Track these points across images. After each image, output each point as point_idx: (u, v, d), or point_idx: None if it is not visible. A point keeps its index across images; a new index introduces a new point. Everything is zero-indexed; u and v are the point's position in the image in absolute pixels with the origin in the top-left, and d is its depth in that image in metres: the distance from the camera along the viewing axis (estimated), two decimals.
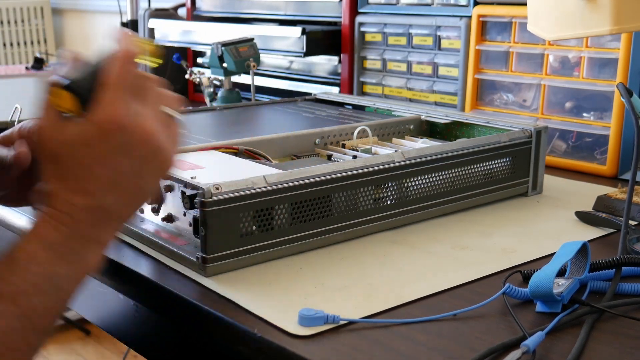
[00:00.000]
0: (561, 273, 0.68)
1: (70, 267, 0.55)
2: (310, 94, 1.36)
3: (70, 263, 0.55)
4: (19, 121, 0.86)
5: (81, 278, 0.57)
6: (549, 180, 1.06)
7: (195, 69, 1.59)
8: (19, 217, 0.88)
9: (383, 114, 1.17)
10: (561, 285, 0.65)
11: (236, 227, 0.71)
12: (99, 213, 0.56)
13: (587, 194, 1.00)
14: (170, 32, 1.82)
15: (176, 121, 0.61)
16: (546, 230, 0.86)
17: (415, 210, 0.86)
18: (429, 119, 1.12)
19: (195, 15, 1.88)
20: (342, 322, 0.61)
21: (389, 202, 0.84)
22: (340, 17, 1.52)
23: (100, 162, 0.55)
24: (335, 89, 1.56)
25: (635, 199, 0.90)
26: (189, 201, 0.72)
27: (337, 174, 0.78)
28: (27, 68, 2.01)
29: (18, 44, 3.20)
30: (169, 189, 0.76)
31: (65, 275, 0.55)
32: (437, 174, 0.88)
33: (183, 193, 0.73)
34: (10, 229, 0.89)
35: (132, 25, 2.04)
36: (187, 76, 1.57)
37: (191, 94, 1.92)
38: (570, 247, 0.67)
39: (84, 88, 0.56)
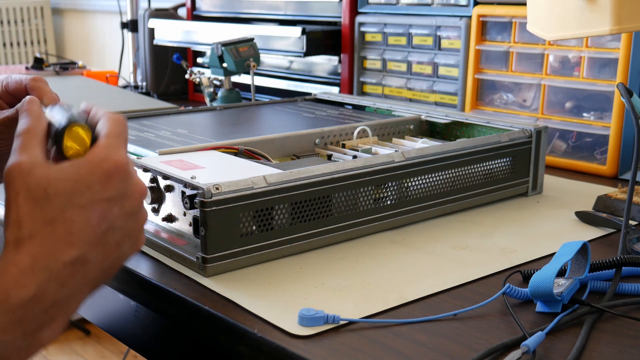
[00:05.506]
0: (561, 273, 0.68)
1: (22, 338, 0.47)
2: (310, 94, 1.36)
3: (25, 333, 0.47)
4: None
5: (31, 354, 0.48)
6: (549, 180, 1.06)
7: (195, 69, 1.59)
8: None
9: (383, 114, 1.17)
10: (561, 285, 0.65)
11: (236, 227, 0.71)
12: (77, 269, 0.49)
13: (587, 194, 1.00)
14: (170, 32, 1.82)
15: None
16: (546, 230, 0.86)
17: (415, 210, 0.86)
18: (429, 119, 1.12)
19: (195, 15, 1.88)
20: (342, 322, 0.61)
21: (389, 202, 0.84)
22: (340, 17, 1.52)
23: (95, 205, 0.49)
24: (335, 89, 1.56)
25: (635, 199, 0.90)
26: (189, 201, 0.72)
27: (337, 174, 0.78)
28: (27, 68, 2.01)
29: (18, 44, 3.20)
30: (169, 189, 0.76)
31: (11, 345, 0.47)
32: (437, 174, 0.88)
33: (183, 193, 0.73)
34: None
35: (132, 25, 2.04)
36: (187, 76, 1.57)
37: (191, 94, 1.92)
38: (570, 247, 0.67)
39: (92, 128, 0.53)
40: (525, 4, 0.90)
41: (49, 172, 0.49)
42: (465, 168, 0.91)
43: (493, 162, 0.94)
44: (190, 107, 1.23)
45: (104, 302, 0.81)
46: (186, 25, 1.81)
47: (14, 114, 0.67)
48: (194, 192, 0.71)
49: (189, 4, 1.89)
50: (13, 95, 0.69)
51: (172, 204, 0.77)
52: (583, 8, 0.78)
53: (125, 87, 2.05)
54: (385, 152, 0.91)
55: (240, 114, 1.16)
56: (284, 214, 0.74)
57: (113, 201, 0.50)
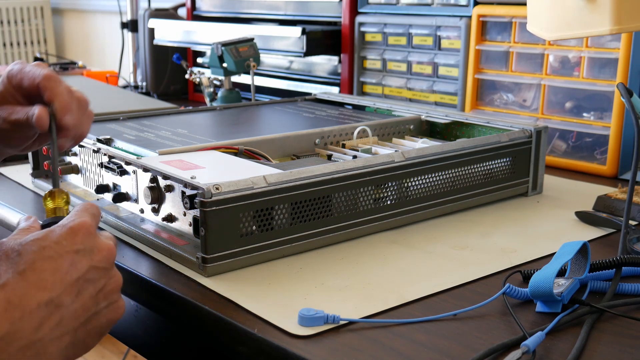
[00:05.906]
0: (561, 273, 0.68)
1: None
2: (310, 94, 1.36)
3: None
4: None
5: None
6: (549, 180, 1.06)
7: (195, 69, 1.59)
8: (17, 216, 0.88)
9: (383, 114, 1.17)
10: (561, 285, 0.65)
11: (236, 227, 0.71)
12: (52, 312, 0.52)
13: (587, 194, 1.00)
14: (170, 32, 1.82)
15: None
16: (546, 230, 0.86)
17: (415, 210, 0.86)
18: (429, 119, 1.12)
19: (195, 15, 1.88)
20: (342, 322, 0.61)
21: (389, 202, 0.84)
22: (340, 17, 1.52)
23: (63, 255, 0.54)
24: (335, 89, 1.56)
25: (635, 199, 0.90)
26: (189, 201, 0.72)
27: (337, 174, 0.78)
28: None
29: (18, 44, 3.20)
30: (169, 189, 0.76)
31: None
32: (437, 174, 0.88)
33: (183, 193, 0.73)
34: (11, 229, 0.89)
35: (132, 25, 2.04)
36: (187, 76, 1.57)
37: (191, 94, 1.92)
38: (570, 247, 0.67)
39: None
40: (525, 4, 0.90)
41: (21, 239, 0.55)
42: (465, 168, 0.91)
43: (493, 162, 0.94)
44: (190, 107, 1.23)
45: None
46: (186, 25, 1.81)
47: (23, 119, 0.68)
48: (194, 192, 0.71)
49: (189, 4, 1.89)
50: (27, 90, 0.69)
51: (172, 204, 0.77)
52: (583, 8, 0.78)
53: (125, 87, 2.05)
54: (385, 152, 0.91)
55: (240, 114, 1.16)
56: (284, 214, 0.74)
57: (81, 253, 0.55)
